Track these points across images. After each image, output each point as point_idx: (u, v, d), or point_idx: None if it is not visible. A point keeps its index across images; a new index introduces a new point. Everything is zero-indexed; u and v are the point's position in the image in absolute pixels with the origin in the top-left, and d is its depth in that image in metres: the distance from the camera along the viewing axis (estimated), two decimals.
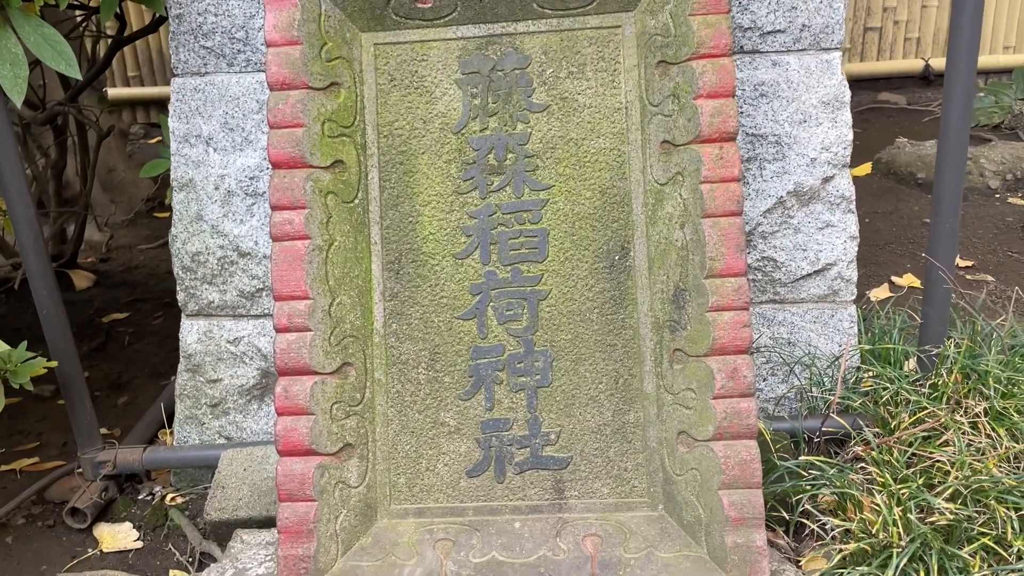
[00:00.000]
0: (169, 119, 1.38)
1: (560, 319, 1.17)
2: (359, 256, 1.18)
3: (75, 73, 1.24)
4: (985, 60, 3.66)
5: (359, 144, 1.19)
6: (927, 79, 3.71)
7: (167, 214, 1.62)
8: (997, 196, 2.56)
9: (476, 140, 1.19)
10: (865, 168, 2.85)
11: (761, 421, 1.32)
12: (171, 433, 1.54)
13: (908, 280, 2.07)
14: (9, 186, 1.30)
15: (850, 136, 1.34)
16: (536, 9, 1.18)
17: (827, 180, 1.34)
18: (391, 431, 1.17)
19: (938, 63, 3.67)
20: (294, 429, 1.12)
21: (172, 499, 1.46)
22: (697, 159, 1.11)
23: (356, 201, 1.18)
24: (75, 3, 1.78)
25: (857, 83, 3.71)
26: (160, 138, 3.76)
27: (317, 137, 1.16)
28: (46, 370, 1.30)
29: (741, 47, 1.31)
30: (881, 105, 3.54)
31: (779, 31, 1.30)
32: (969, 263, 2.15)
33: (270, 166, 1.16)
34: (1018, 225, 2.35)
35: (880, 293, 2.01)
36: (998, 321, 1.44)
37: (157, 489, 1.49)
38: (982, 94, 3.34)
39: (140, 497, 1.48)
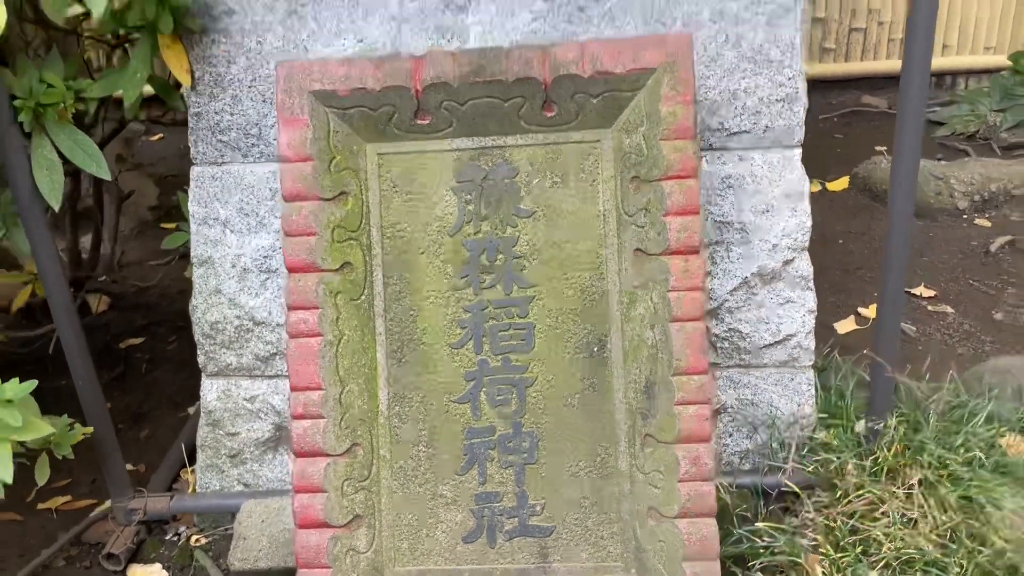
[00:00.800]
0: (189, 203, 1.51)
1: (545, 403, 1.32)
2: (365, 347, 1.32)
3: (106, 174, 1.37)
4: (967, 60, 3.77)
5: (365, 245, 1.33)
6: None
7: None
8: (965, 217, 2.70)
9: (470, 242, 1.33)
10: (843, 183, 2.98)
11: (724, 477, 1.49)
12: (192, 472, 1.70)
13: (873, 311, 2.22)
14: (46, 269, 1.43)
15: (809, 223, 1.47)
16: (523, 126, 1.30)
17: (788, 262, 1.49)
18: (395, 502, 1.33)
19: None
20: (310, 506, 1.28)
21: (196, 540, 1.62)
22: (666, 269, 1.25)
23: (362, 298, 1.32)
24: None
25: (841, 84, 3.82)
26: (161, 135, 3.86)
27: (327, 243, 1.29)
28: (84, 436, 1.45)
29: (710, 144, 1.44)
30: (863, 108, 3.65)
31: (744, 132, 1.43)
32: (931, 293, 2.29)
33: (284, 262, 1.30)
34: (981, 250, 2.49)
35: (846, 326, 2.16)
36: (942, 385, 1.59)
37: (182, 529, 1.66)
38: (959, 102, 3.46)
39: (167, 538, 1.64)
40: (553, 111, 1.29)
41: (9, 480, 1.25)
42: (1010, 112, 3.23)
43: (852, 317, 2.20)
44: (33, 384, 1.27)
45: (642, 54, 1.25)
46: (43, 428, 1.31)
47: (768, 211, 1.46)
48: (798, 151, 1.44)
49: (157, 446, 1.89)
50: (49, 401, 1.44)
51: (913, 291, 2.30)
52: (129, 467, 1.77)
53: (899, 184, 1.38)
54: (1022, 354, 1.89)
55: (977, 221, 2.67)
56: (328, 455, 1.29)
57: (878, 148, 3.24)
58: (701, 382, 1.25)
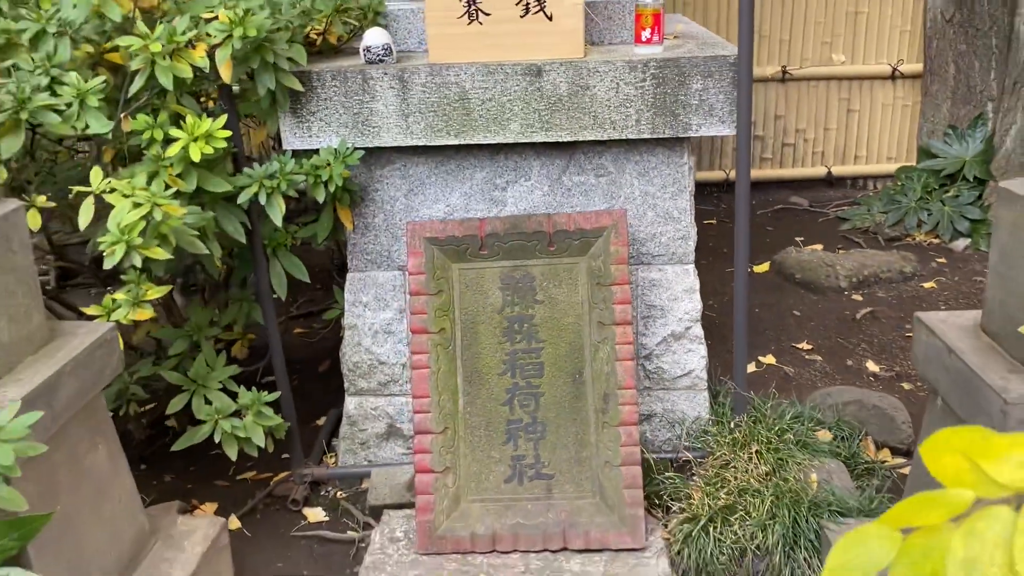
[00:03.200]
0: (345, 293, 2.64)
1: (550, 406, 2.43)
2: (452, 374, 2.44)
3: (306, 278, 2.50)
4: (874, 168, 4.94)
5: (452, 318, 2.45)
6: (829, 182, 4.99)
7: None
8: (845, 294, 3.83)
9: (508, 317, 2.45)
10: (764, 267, 4.11)
11: (652, 454, 2.59)
12: (331, 456, 2.79)
13: (769, 359, 3.33)
14: (270, 326, 2.55)
15: (699, 306, 2.60)
16: (537, 255, 2.44)
17: (688, 328, 2.61)
18: (467, 460, 2.43)
19: (837, 170, 4.95)
20: (423, 460, 2.38)
21: (340, 494, 2.71)
22: (613, 334, 2.38)
23: (451, 347, 2.45)
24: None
25: (776, 185, 4.99)
26: None
27: (433, 318, 2.42)
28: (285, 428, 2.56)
29: (641, 261, 2.58)
30: (789, 206, 4.82)
31: (660, 255, 2.56)
32: (809, 347, 3.41)
33: (410, 327, 2.42)
34: (850, 318, 3.61)
35: (750, 368, 3.27)
36: (783, 400, 2.70)
37: (330, 490, 2.75)
38: (860, 204, 4.62)
39: (322, 494, 2.73)
40: (553, 248, 2.43)
41: (261, 444, 2.35)
42: (892, 213, 4.39)
43: (754, 363, 3.31)
44: (277, 395, 2.39)
45: (600, 219, 2.40)
46: (275, 420, 2.42)
47: (675, 299, 2.59)
48: (692, 265, 2.57)
49: (304, 439, 2.99)
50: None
51: (797, 345, 3.42)
52: (284, 455, 2.85)
53: (739, 257, 2.50)
54: (845, 385, 3.00)
55: (853, 296, 3.80)
56: (432, 432, 2.40)
57: (797, 239, 4.39)
58: (631, 394, 2.36)
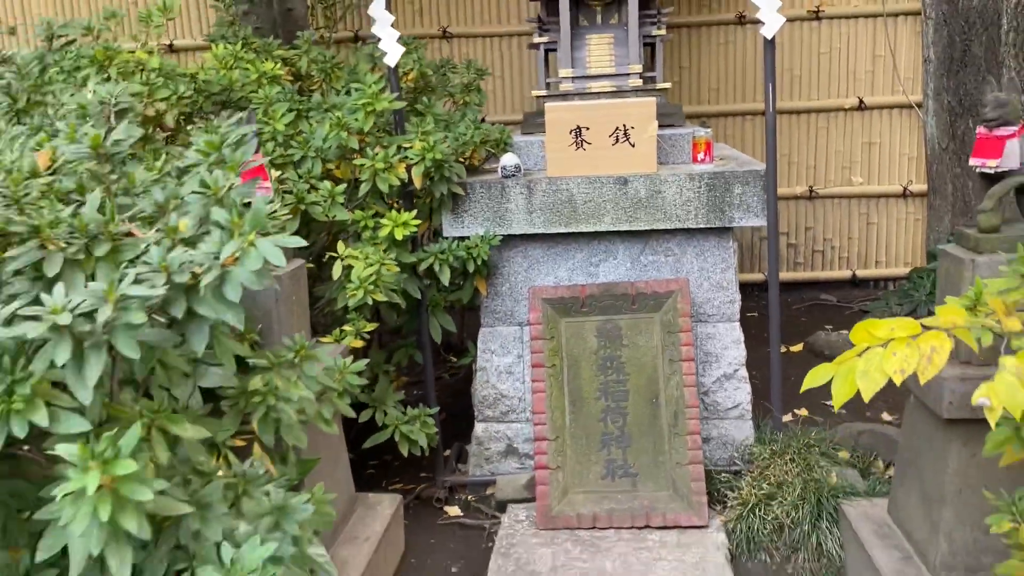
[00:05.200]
0: (478, 343, 3.61)
1: (634, 423, 3.33)
2: (560, 397, 3.36)
3: (453, 329, 3.49)
4: (891, 271, 5.84)
5: (560, 357, 3.39)
6: (854, 283, 5.91)
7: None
8: None
9: (602, 356, 3.39)
10: (799, 347, 5.00)
11: (711, 467, 3.44)
12: (465, 470, 3.68)
13: (803, 412, 4.18)
14: (426, 365, 3.51)
15: (744, 354, 3.51)
16: (624, 311, 3.40)
17: (736, 371, 3.51)
18: (572, 461, 3.31)
19: (861, 272, 5.86)
20: (541, 460, 3.27)
21: (470, 498, 3.59)
22: (681, 368, 3.30)
23: (560, 378, 3.38)
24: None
25: (808, 286, 5.91)
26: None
27: (547, 356, 3.37)
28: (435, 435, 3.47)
29: (699, 319, 3.52)
30: (820, 302, 5.73)
31: (714, 314, 3.51)
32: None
33: (531, 362, 3.36)
34: None
35: (786, 418, 4.11)
36: (811, 428, 3.55)
37: (463, 496, 3.63)
38: (880, 299, 5.51)
39: (457, 498, 3.62)
40: (635, 306, 3.39)
41: (424, 446, 3.27)
42: (906, 305, 5.27)
43: (789, 414, 4.16)
44: (436, 409, 3.33)
45: (669, 285, 3.37)
46: (433, 430, 3.34)
47: (726, 348, 3.51)
48: (737, 323, 3.51)
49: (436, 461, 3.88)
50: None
51: (825, 403, 4.26)
52: (421, 473, 3.75)
53: (773, 329, 3.42)
54: (861, 417, 3.84)
55: None
56: (547, 439, 3.30)
57: (826, 327, 5.28)
58: (695, 411, 3.25)
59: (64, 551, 1.36)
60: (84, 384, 1.30)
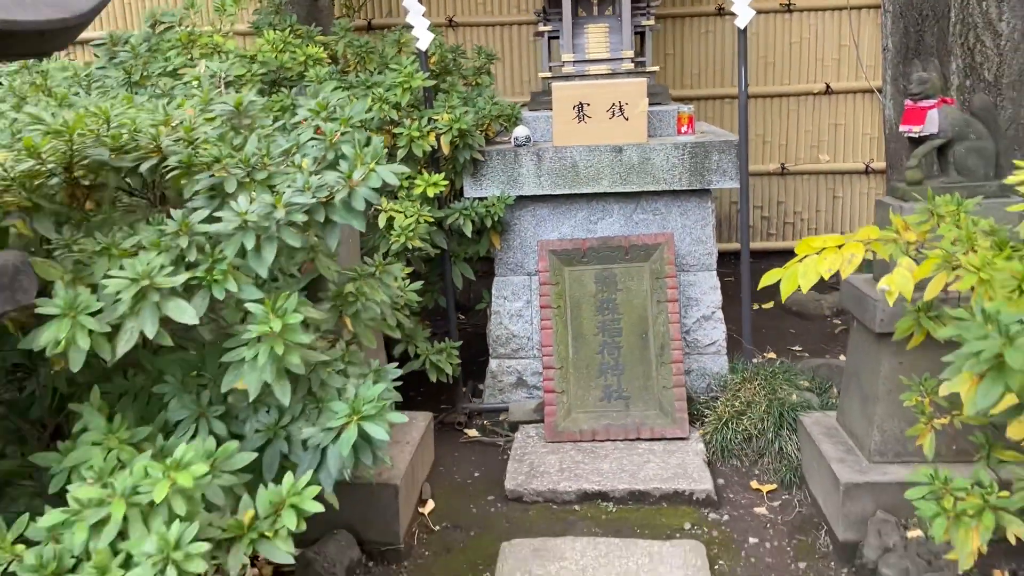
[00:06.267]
0: (493, 291, 4.22)
1: (627, 353, 3.96)
2: (565, 333, 3.99)
3: (472, 277, 4.10)
4: None
5: (564, 300, 4.02)
6: None
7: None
8: (828, 319, 5.35)
9: (600, 299, 4.02)
10: (770, 304, 5.66)
11: (693, 394, 4.08)
12: (482, 398, 4.30)
13: (771, 355, 4.83)
14: (449, 304, 4.12)
15: (720, 298, 4.15)
16: (619, 260, 4.03)
17: (713, 312, 4.16)
18: (574, 387, 3.94)
19: None
20: (549, 384, 3.90)
21: (486, 423, 4.21)
22: (667, 308, 3.93)
23: (564, 317, 4.00)
24: None
25: (779, 254, 6.56)
26: None
27: (553, 299, 3.99)
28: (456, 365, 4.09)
29: (682, 268, 4.15)
30: None
31: (694, 265, 4.14)
32: (800, 348, 4.91)
33: (540, 303, 3.98)
34: (831, 333, 5.12)
35: (757, 360, 4.76)
36: (775, 359, 4.20)
37: (479, 421, 4.24)
38: None
39: (474, 421, 4.24)
40: (628, 256, 4.02)
41: (451, 373, 3.88)
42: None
43: (760, 356, 4.80)
44: (459, 343, 3.95)
45: (657, 239, 4.00)
46: (456, 360, 3.96)
47: (704, 293, 4.15)
48: (714, 272, 4.14)
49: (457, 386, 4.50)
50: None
51: (792, 348, 4.92)
52: (442, 406, 4.36)
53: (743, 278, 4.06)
54: (822, 357, 4.49)
55: (833, 321, 5.32)
56: (554, 368, 3.92)
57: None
58: (678, 344, 3.89)
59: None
60: (263, 264, 1.90)
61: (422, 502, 3.52)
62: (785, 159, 6.48)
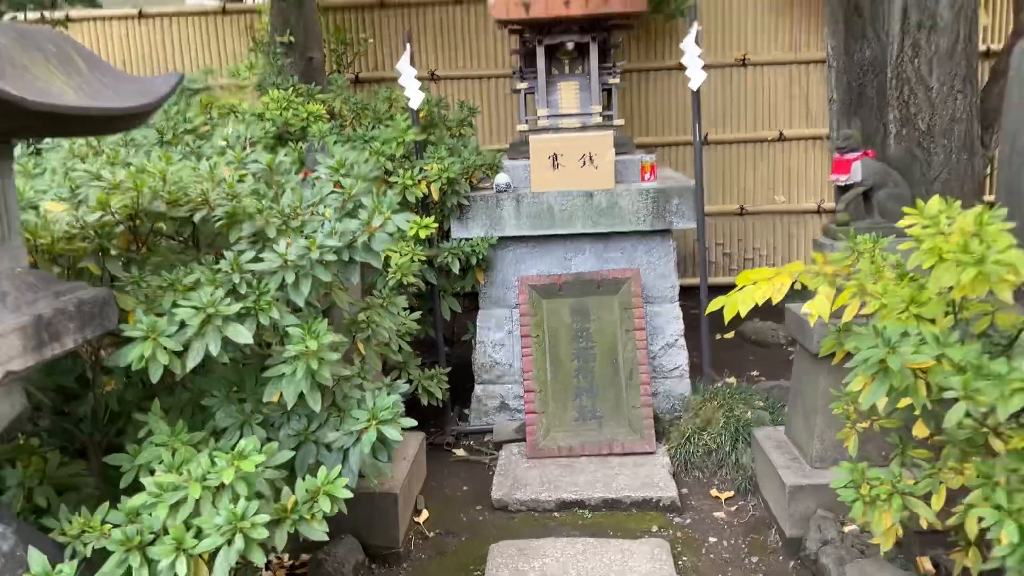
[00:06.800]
0: (477, 322, 4.67)
1: (600, 377, 4.41)
2: (543, 360, 4.43)
3: (458, 310, 4.55)
4: None
5: (543, 329, 4.47)
6: None
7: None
8: (784, 347, 5.84)
9: (575, 329, 4.48)
10: (731, 334, 6.15)
11: (659, 413, 4.54)
12: (468, 421, 4.72)
13: (732, 380, 5.30)
14: (438, 333, 4.56)
15: (682, 327, 4.63)
16: (592, 293, 4.50)
17: (676, 340, 4.63)
18: (552, 408, 4.38)
19: None
20: (531, 406, 4.34)
21: (472, 443, 4.63)
22: (635, 336, 4.40)
23: (543, 345, 4.46)
24: None
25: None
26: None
27: (532, 328, 4.44)
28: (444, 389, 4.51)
29: (648, 300, 4.63)
30: None
31: (659, 297, 4.62)
32: (757, 373, 5.39)
33: (520, 332, 4.43)
34: (787, 360, 5.61)
35: (716, 384, 5.23)
36: (732, 384, 4.67)
37: (466, 441, 4.66)
38: None
39: (462, 442, 4.65)
40: (600, 289, 4.49)
41: (440, 397, 4.31)
42: None
43: (721, 382, 5.27)
44: (448, 369, 4.38)
45: (625, 274, 4.48)
46: (445, 386, 4.39)
47: (668, 323, 4.62)
48: (677, 303, 4.63)
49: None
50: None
51: (751, 373, 5.40)
52: (431, 429, 4.77)
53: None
54: (776, 380, 4.97)
55: (789, 349, 5.81)
56: (534, 391, 4.36)
57: (754, 318, 6.44)
58: (646, 368, 4.35)
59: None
60: (300, 295, 2.34)
61: (417, 512, 3.92)
62: (744, 200, 7.02)
